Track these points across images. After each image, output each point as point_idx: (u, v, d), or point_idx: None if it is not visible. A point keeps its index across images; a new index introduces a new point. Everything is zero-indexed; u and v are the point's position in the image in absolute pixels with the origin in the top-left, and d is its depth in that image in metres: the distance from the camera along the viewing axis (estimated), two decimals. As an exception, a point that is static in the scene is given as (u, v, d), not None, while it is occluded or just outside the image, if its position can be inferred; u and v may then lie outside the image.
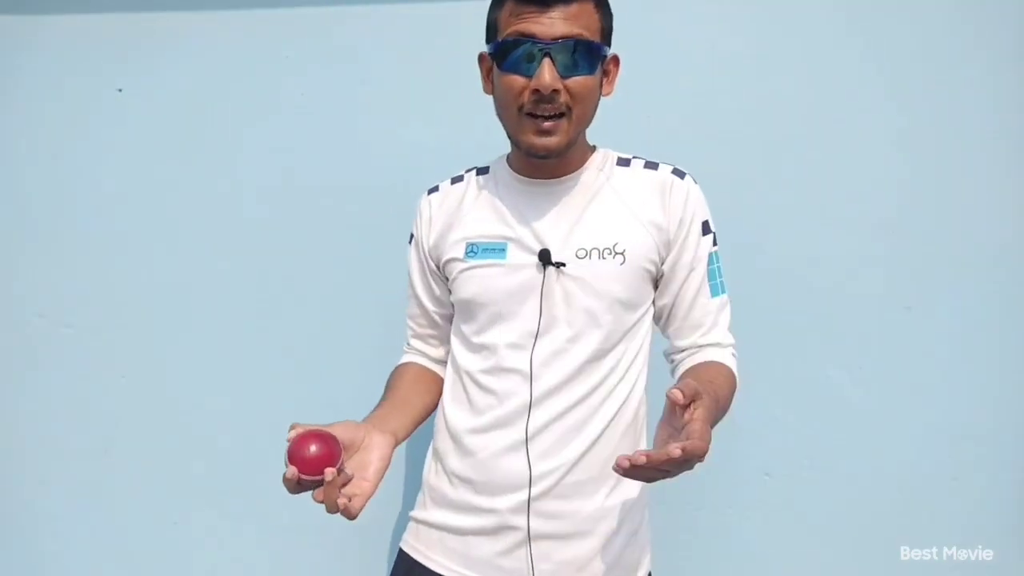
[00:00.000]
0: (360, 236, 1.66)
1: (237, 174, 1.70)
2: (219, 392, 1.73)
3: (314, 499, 0.90)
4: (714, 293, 1.12)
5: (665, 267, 1.10)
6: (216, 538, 1.75)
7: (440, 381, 1.20)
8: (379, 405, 1.10)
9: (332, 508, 0.90)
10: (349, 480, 0.92)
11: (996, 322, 1.55)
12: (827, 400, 1.59)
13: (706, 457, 0.82)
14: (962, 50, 1.53)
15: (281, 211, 1.69)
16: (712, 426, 0.90)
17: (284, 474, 0.88)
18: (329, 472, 0.88)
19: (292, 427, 0.92)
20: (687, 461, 0.80)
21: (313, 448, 0.89)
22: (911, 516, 1.58)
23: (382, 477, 0.97)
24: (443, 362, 1.23)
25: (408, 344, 1.26)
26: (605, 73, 1.07)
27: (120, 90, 1.71)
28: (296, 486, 0.89)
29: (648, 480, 0.87)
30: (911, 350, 1.57)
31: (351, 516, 0.91)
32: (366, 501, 0.93)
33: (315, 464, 0.89)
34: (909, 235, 1.56)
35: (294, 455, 0.89)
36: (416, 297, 1.21)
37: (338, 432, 0.93)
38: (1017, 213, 1.54)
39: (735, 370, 1.12)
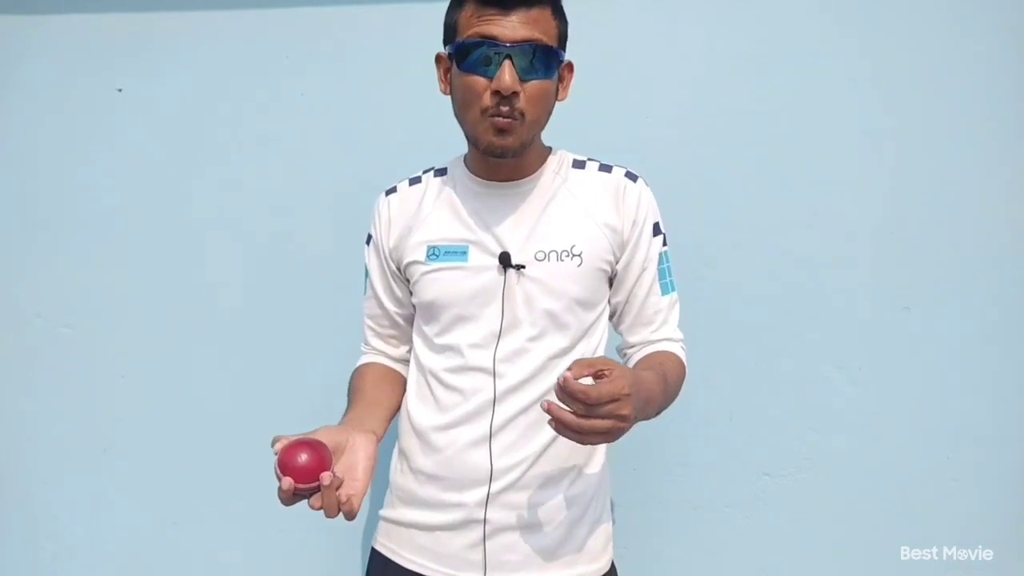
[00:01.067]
0: (363, 236, 1.66)
1: (237, 174, 1.70)
2: (219, 392, 1.73)
3: (311, 507, 0.91)
4: (664, 291, 1.16)
5: (619, 267, 1.13)
6: (216, 538, 1.75)
7: (403, 380, 1.22)
8: (350, 408, 1.12)
9: (332, 512, 0.91)
10: (341, 483, 0.93)
11: (995, 322, 1.55)
12: (826, 400, 1.59)
13: (630, 411, 0.86)
14: (960, 48, 1.53)
15: (282, 211, 1.69)
16: (660, 407, 1.01)
17: (280, 487, 0.88)
18: (326, 476, 0.89)
19: (275, 440, 0.92)
20: (607, 406, 0.84)
21: (303, 457, 0.89)
22: (911, 516, 1.58)
23: (372, 475, 0.98)
24: (404, 361, 1.24)
25: (367, 344, 1.26)
26: (560, 79, 1.09)
27: (120, 90, 1.71)
28: (292, 497, 0.90)
29: (581, 437, 0.87)
30: (910, 350, 1.57)
31: (352, 516, 0.93)
32: (362, 499, 0.95)
33: (309, 472, 0.89)
34: (907, 235, 1.56)
35: (286, 466, 0.89)
36: (377, 298, 1.22)
37: (321, 438, 0.94)
38: (1016, 213, 1.54)
39: (684, 361, 1.16)
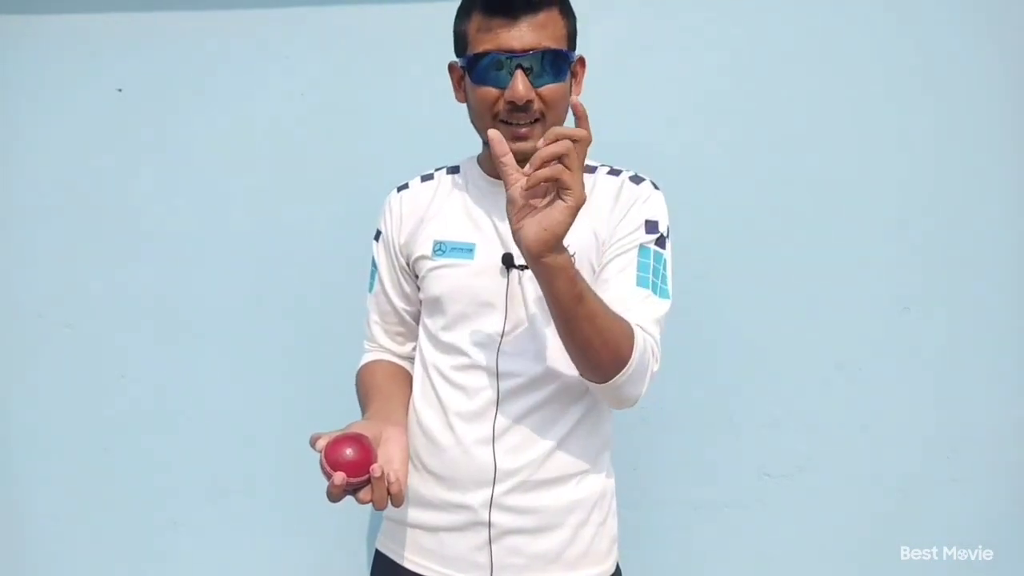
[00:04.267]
0: (362, 236, 1.66)
1: (237, 174, 1.70)
2: (219, 392, 1.73)
3: (360, 500, 0.91)
4: (640, 283, 1.05)
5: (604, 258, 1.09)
6: (216, 538, 1.75)
7: (411, 377, 1.21)
8: (370, 403, 1.12)
9: (382, 503, 0.92)
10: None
11: (995, 322, 1.55)
12: (826, 400, 1.59)
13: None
14: (962, 50, 1.54)
15: (282, 211, 1.69)
16: (578, 306, 0.91)
17: (331, 483, 0.89)
18: (376, 468, 0.90)
19: (315, 438, 0.92)
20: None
21: (349, 451, 0.90)
22: (911, 516, 1.59)
23: (408, 464, 1.00)
24: (410, 359, 1.24)
25: (373, 341, 1.25)
26: (573, 75, 1.09)
27: (120, 90, 1.71)
28: (342, 493, 0.90)
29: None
30: (910, 351, 1.57)
31: (401, 501, 0.94)
32: (406, 485, 0.96)
33: (358, 466, 0.89)
34: (908, 236, 1.56)
35: (336, 462, 0.89)
36: (385, 294, 1.21)
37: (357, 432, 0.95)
38: (1016, 214, 1.54)
39: (640, 340, 0.98)
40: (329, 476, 0.89)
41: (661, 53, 1.59)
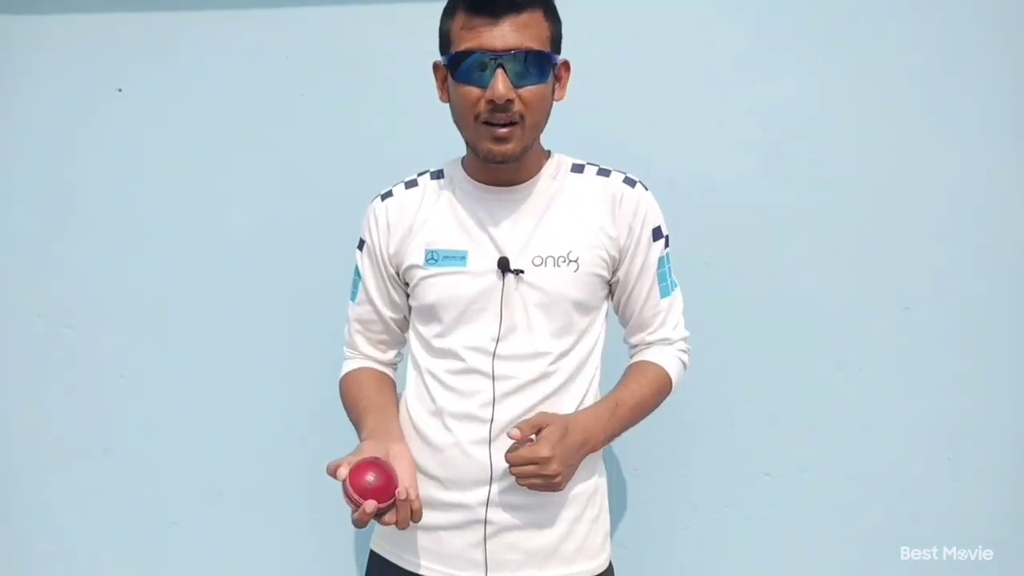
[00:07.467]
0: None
1: (237, 175, 1.70)
2: (219, 392, 1.73)
3: (384, 523, 0.96)
4: (664, 294, 1.18)
5: (619, 274, 1.15)
6: (216, 538, 1.75)
7: (395, 384, 1.23)
8: (366, 417, 1.12)
9: (406, 524, 0.98)
10: None
11: (995, 322, 1.55)
12: (826, 400, 1.59)
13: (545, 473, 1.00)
14: (960, 49, 1.53)
15: (281, 211, 1.69)
16: (618, 428, 1.11)
17: (360, 510, 0.93)
18: (402, 491, 0.94)
19: (334, 467, 0.95)
20: (527, 467, 1.00)
21: (371, 477, 0.93)
22: (911, 516, 1.59)
23: (417, 477, 1.07)
24: (392, 365, 1.27)
25: (355, 349, 1.25)
26: (557, 79, 1.10)
27: (120, 90, 1.71)
28: (370, 519, 0.94)
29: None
30: (910, 350, 1.57)
31: (420, 519, 1.00)
32: (421, 502, 1.02)
33: (383, 491, 0.93)
34: (908, 235, 1.56)
35: (363, 490, 0.92)
36: (371, 303, 1.20)
37: (367, 455, 0.98)
38: (1016, 213, 1.54)
39: (673, 366, 1.19)
40: (358, 505, 0.92)
41: (659, 52, 1.59)
